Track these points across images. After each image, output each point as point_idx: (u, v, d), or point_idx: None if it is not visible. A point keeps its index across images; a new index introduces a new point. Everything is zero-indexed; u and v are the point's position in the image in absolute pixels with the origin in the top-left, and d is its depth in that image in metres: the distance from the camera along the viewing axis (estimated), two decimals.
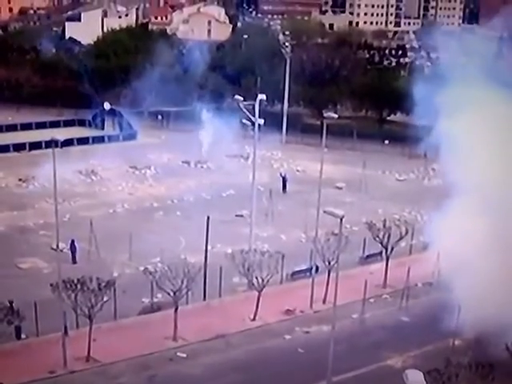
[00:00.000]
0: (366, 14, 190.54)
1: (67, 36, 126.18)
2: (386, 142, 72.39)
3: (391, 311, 39.42)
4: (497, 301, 31.69)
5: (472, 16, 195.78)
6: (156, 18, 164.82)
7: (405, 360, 34.01)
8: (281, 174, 61.85)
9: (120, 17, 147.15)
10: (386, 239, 42.04)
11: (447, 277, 35.95)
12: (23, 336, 34.30)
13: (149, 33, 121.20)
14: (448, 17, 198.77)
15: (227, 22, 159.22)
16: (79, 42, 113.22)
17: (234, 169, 65.09)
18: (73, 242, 43.88)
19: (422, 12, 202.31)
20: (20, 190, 58.04)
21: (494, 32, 73.99)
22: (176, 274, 34.20)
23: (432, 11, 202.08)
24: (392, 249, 42.37)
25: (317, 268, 40.81)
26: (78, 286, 32.13)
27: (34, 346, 33.83)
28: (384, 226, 42.15)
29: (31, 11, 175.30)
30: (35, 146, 66.77)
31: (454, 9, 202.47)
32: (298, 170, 66.39)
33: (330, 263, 38.80)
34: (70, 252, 43.64)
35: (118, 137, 75.99)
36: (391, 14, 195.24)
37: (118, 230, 48.30)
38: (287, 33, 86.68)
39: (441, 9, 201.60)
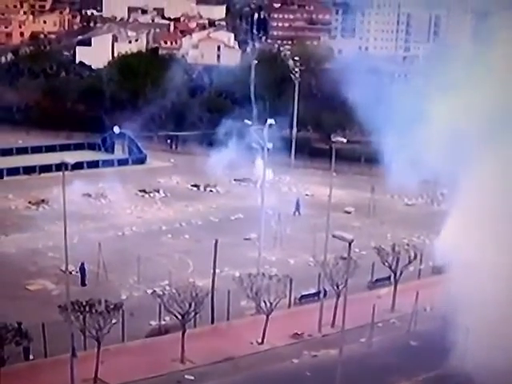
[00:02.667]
0: (375, 38, 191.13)
1: (77, 60, 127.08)
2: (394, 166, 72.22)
3: (399, 335, 39.28)
4: (507, 325, 31.54)
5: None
6: (166, 42, 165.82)
7: None
8: (297, 201, 61.87)
9: (130, 41, 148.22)
10: (394, 264, 42.05)
11: (456, 301, 35.76)
12: (31, 357, 34.36)
13: (159, 58, 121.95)
14: (458, 41, 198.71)
15: (236, 47, 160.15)
16: (89, 67, 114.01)
17: (242, 193, 65.31)
18: (82, 264, 43.99)
19: (431, 36, 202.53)
20: (30, 212, 58.27)
21: None
22: (184, 297, 34.32)
23: (442, 36, 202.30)
24: (401, 273, 42.33)
25: (325, 292, 40.76)
26: (87, 308, 32.26)
27: (41, 367, 33.95)
28: (393, 250, 42.13)
29: (42, 36, 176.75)
30: (45, 168, 67.08)
31: (464, 32, 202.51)
32: (306, 194, 66.42)
33: (338, 287, 38.78)
34: (78, 274, 43.76)
35: (127, 160, 76.33)
36: (401, 39, 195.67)
37: (127, 252, 48.43)
38: (296, 58, 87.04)
39: (451, 33, 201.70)
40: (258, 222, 43.84)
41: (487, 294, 32.78)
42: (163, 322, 38.05)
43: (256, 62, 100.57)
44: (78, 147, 79.54)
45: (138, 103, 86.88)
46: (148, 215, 59.74)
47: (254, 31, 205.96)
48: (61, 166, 34.96)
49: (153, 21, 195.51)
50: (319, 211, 55.22)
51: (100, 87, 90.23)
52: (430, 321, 40.03)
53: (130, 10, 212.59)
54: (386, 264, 42.16)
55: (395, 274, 42.35)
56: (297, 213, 60.75)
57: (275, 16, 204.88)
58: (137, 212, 60.43)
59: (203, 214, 60.01)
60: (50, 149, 76.49)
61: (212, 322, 39.53)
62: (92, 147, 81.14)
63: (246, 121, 51.43)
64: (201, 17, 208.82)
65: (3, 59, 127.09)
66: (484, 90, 35.74)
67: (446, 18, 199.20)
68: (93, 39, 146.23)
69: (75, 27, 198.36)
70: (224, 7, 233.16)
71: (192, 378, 34.33)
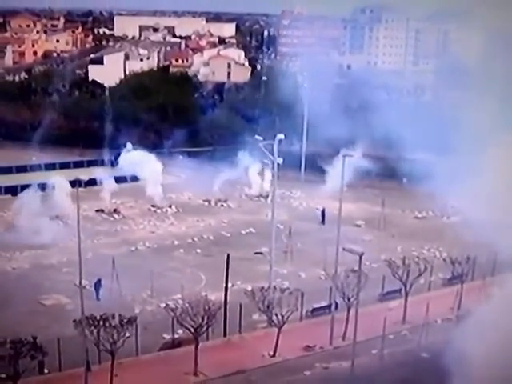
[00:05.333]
0: (384, 54, 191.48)
1: (90, 78, 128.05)
2: (405, 180, 72.50)
3: (410, 347, 39.43)
4: None
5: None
6: (177, 60, 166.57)
7: None
8: (323, 211, 62.27)
9: (142, 60, 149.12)
10: (405, 276, 42.27)
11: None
12: (46, 371, 34.72)
13: (170, 75, 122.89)
14: (466, 55, 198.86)
15: (246, 64, 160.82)
16: (102, 85, 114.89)
17: (253, 207, 65.75)
18: (99, 280, 44.45)
19: (440, 51, 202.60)
20: (43, 228, 58.69)
21: None
22: (196, 311, 34.68)
23: (451, 50, 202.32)
24: (411, 286, 42.57)
25: (336, 305, 41.04)
26: (101, 323, 32.69)
27: (56, 381, 34.33)
28: (403, 263, 42.37)
29: (55, 54, 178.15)
30: None
31: (473, 47, 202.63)
32: (317, 209, 66.62)
33: (349, 300, 39.06)
34: (92, 289, 44.18)
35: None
36: (409, 54, 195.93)
37: (140, 267, 48.85)
38: (305, 74, 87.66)
39: (460, 48, 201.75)
40: (269, 236, 44.20)
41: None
42: (176, 336, 38.42)
43: (265, 78, 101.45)
44: (91, 164, 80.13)
45: (150, 120, 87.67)
46: (160, 230, 60.21)
47: (264, 48, 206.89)
48: (75, 183, 35.59)
49: (164, 39, 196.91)
50: (330, 225, 55.62)
51: (112, 105, 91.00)
52: (441, 332, 40.24)
53: (142, 28, 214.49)
54: (397, 276, 42.38)
55: (406, 287, 42.59)
56: (323, 222, 61.40)
57: (284, 33, 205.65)
58: (149, 227, 60.93)
59: (215, 229, 60.46)
60: (64, 166, 77.13)
61: (224, 335, 39.84)
62: (105, 164, 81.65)
63: (257, 136, 51.74)
64: (211, 35, 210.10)
65: (17, 78, 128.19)
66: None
67: (455, 32, 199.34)
68: (105, 57, 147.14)
69: (87, 46, 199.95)
70: (234, 25, 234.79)
71: None
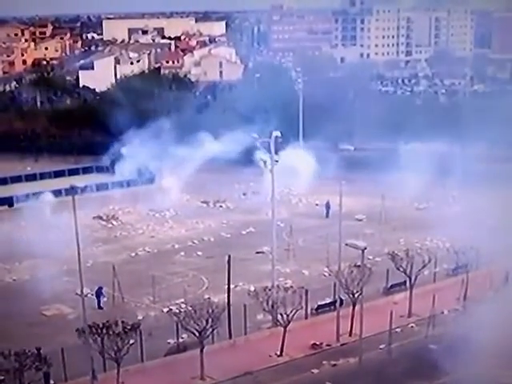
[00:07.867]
0: (376, 45, 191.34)
1: (81, 84, 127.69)
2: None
3: (418, 340, 39.12)
4: None
5: (484, 41, 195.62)
6: (168, 62, 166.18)
7: None
8: (327, 204, 61.94)
9: (132, 63, 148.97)
10: (409, 268, 41.91)
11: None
12: (52, 382, 34.36)
13: (161, 77, 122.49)
14: (459, 43, 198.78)
15: (238, 62, 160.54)
16: (93, 90, 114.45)
17: (252, 206, 65.27)
18: (100, 288, 44.08)
19: (433, 40, 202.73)
20: (42, 238, 58.23)
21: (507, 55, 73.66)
22: (200, 314, 34.33)
23: (443, 38, 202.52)
24: (416, 278, 42.21)
25: (341, 301, 40.72)
26: (104, 331, 32.34)
27: None
28: (406, 255, 41.99)
29: (44, 62, 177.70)
30: (55, 194, 67.16)
31: (465, 34, 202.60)
32: (316, 204, 66.28)
33: (354, 295, 38.71)
34: (94, 297, 43.78)
35: (136, 181, 76.41)
36: (402, 44, 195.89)
37: (141, 273, 48.55)
38: (298, 69, 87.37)
39: (452, 35, 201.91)
40: (270, 234, 43.81)
41: None
42: (181, 340, 38.06)
43: (258, 75, 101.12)
44: (87, 171, 79.74)
45: (144, 124, 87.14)
46: (160, 234, 59.82)
47: (255, 45, 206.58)
48: (69, 191, 35.17)
49: (153, 41, 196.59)
50: (331, 220, 55.40)
51: (105, 110, 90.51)
52: (448, 323, 39.91)
53: (131, 31, 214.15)
54: (401, 269, 42.02)
55: (410, 279, 42.23)
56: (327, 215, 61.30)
57: (275, 28, 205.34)
58: (149, 232, 60.54)
59: (215, 230, 60.10)
60: (59, 174, 76.73)
61: (230, 337, 39.49)
62: (101, 170, 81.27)
63: (253, 134, 51.35)
64: (201, 34, 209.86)
65: (7, 88, 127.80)
66: None
67: (446, 20, 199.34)
68: (95, 63, 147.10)
69: (77, 52, 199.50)
70: (223, 23, 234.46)
71: None
